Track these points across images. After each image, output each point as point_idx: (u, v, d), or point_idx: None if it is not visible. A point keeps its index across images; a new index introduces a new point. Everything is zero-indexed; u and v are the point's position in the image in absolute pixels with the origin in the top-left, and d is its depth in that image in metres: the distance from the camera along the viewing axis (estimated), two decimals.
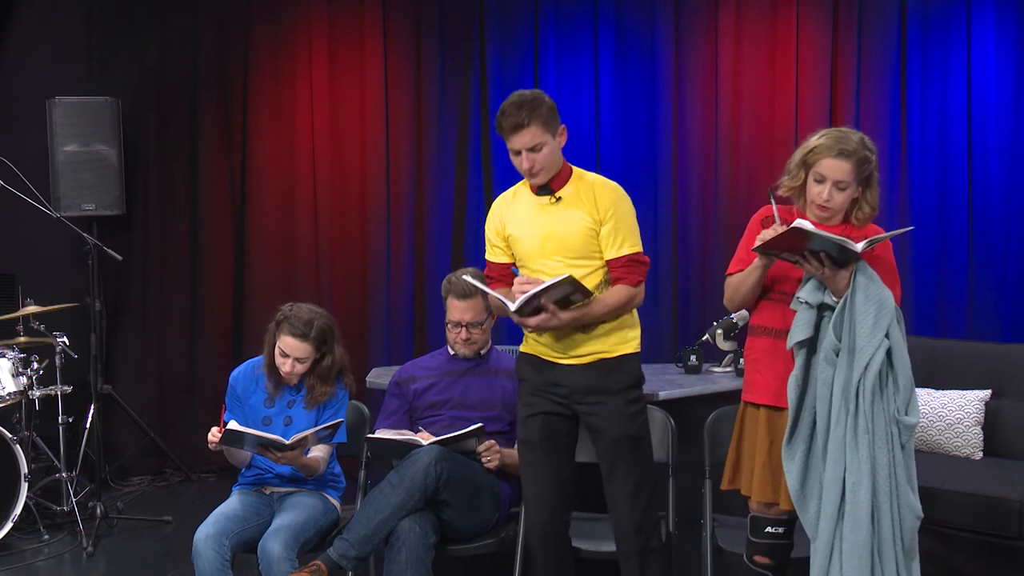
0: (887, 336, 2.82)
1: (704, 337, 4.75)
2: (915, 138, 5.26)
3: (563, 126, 3.20)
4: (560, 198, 3.20)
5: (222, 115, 6.04)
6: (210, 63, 6.01)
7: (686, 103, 5.58)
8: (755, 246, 2.89)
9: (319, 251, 5.97)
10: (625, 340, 3.25)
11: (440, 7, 5.84)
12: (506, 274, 3.34)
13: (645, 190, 5.61)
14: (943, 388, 4.23)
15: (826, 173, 2.89)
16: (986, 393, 4.17)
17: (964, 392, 4.17)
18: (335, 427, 3.47)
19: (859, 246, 2.78)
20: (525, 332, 3.29)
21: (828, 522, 2.83)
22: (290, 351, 3.54)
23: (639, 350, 3.30)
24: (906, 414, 2.84)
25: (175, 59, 6.02)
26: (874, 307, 2.82)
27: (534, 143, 3.10)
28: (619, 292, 3.19)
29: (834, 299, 2.85)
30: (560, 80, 5.68)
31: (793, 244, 2.81)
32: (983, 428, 4.12)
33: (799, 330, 2.87)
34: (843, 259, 2.80)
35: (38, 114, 5.67)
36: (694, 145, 5.58)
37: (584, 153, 5.61)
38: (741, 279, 3.02)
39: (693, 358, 4.66)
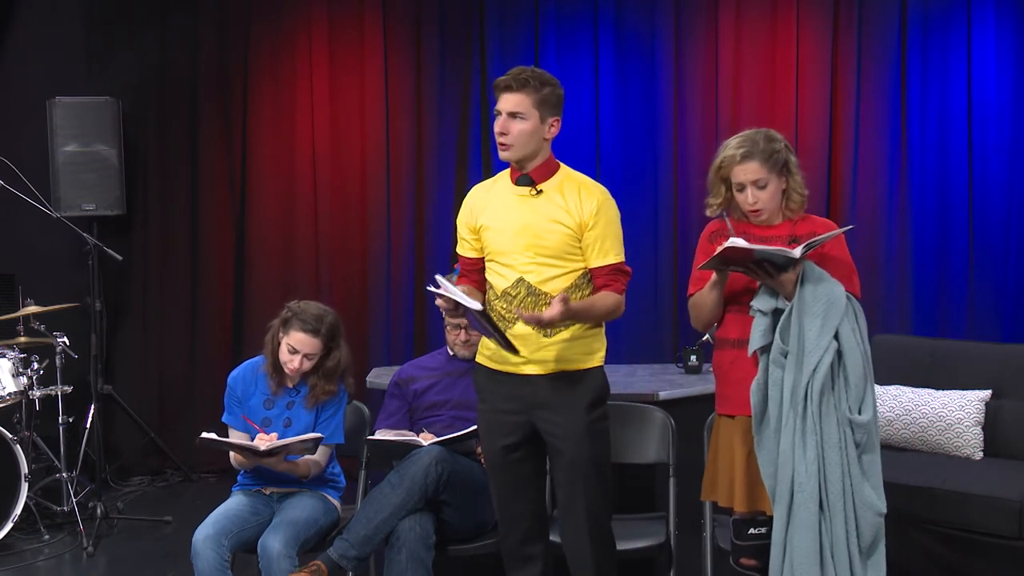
0: (837, 337, 2.84)
1: (704, 337, 4.75)
2: (915, 138, 5.27)
3: (558, 119, 3.07)
4: (541, 191, 3.05)
5: (222, 115, 6.03)
6: (210, 63, 6.00)
7: (686, 103, 5.59)
8: (702, 264, 2.92)
9: (319, 251, 5.97)
10: (591, 351, 3.10)
11: (440, 7, 5.84)
12: (474, 271, 3.19)
13: (645, 190, 5.62)
14: (943, 388, 4.23)
15: (741, 179, 2.95)
16: (986, 393, 4.16)
17: (964, 392, 4.17)
18: (316, 440, 3.46)
19: (796, 252, 2.80)
20: (485, 340, 3.15)
21: (780, 523, 2.85)
22: (300, 346, 3.53)
23: (603, 364, 3.15)
24: (859, 412, 2.84)
25: (175, 59, 6.02)
26: (822, 308, 2.84)
27: (515, 110, 2.99)
28: (610, 298, 3.05)
29: (787, 303, 2.87)
30: (560, 80, 5.64)
31: (737, 257, 2.84)
32: (983, 428, 4.11)
33: (757, 337, 2.89)
34: (786, 264, 2.83)
35: (38, 114, 5.67)
36: (694, 145, 5.58)
37: (584, 153, 5.61)
38: (701, 299, 3.03)
39: (693, 358, 4.66)
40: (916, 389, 4.22)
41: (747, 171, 2.94)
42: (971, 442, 4.10)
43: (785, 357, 2.85)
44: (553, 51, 5.71)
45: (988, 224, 5.17)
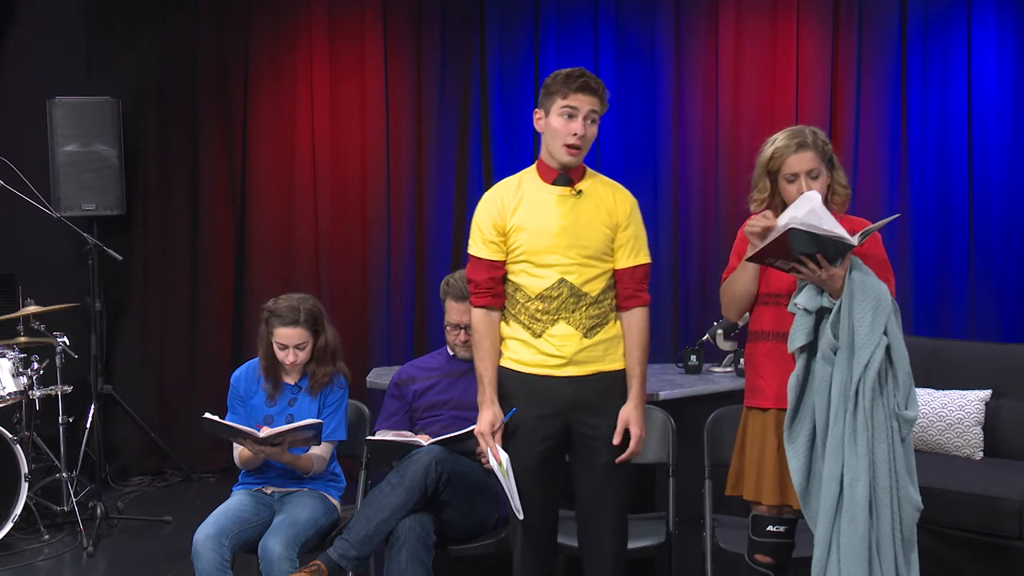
0: (885, 333, 2.83)
1: (704, 337, 4.75)
2: (915, 138, 5.26)
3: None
4: (580, 191, 3.05)
5: (222, 115, 6.04)
6: (210, 63, 6.01)
7: (686, 103, 5.58)
8: (749, 256, 2.90)
9: (319, 251, 5.97)
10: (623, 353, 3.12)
11: (440, 7, 5.84)
12: (497, 277, 3.08)
13: (645, 190, 5.61)
14: (943, 388, 4.23)
15: (795, 169, 2.94)
16: (986, 393, 4.17)
17: (964, 392, 4.17)
18: (317, 429, 3.46)
19: (854, 239, 2.79)
20: (507, 340, 3.11)
21: (826, 517, 2.84)
22: (287, 341, 3.55)
23: None
24: (905, 408, 2.85)
25: (175, 59, 6.02)
26: (871, 304, 2.83)
27: (595, 112, 3.00)
28: (644, 324, 3.08)
29: (832, 301, 2.86)
30: None
31: (785, 250, 2.82)
32: (983, 428, 4.12)
33: (798, 336, 2.88)
34: (836, 254, 2.81)
35: (38, 114, 5.68)
36: (694, 145, 5.58)
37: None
38: (735, 277, 3.02)
39: (693, 358, 4.66)
40: (916, 389, 4.21)
41: (803, 161, 2.93)
42: (971, 442, 4.10)
43: (835, 353, 2.84)
44: (553, 51, 5.71)
45: (988, 224, 5.17)
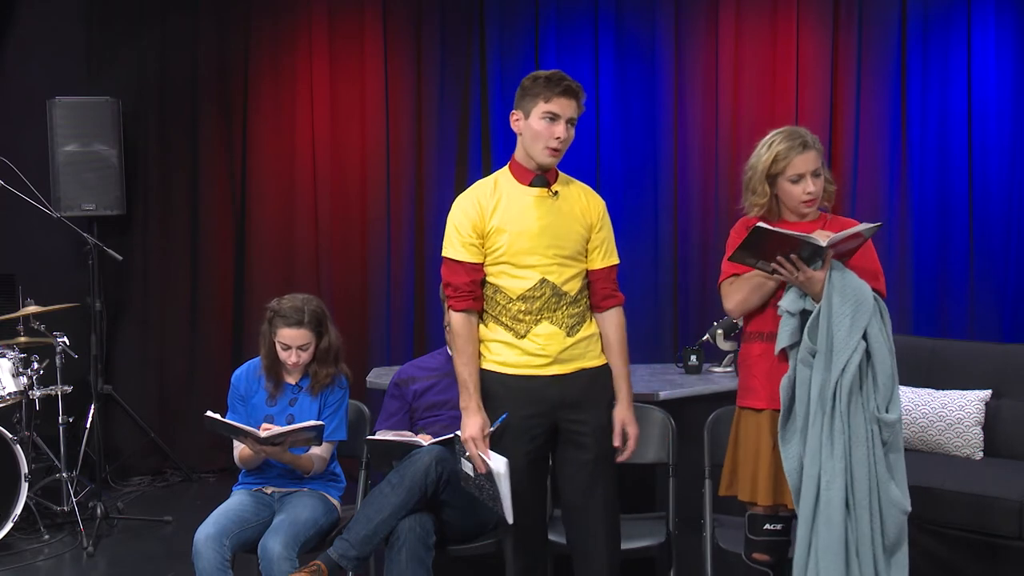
0: (865, 337, 2.84)
1: (704, 337, 4.75)
2: (915, 138, 5.27)
3: None
4: (557, 192, 3.08)
5: (222, 115, 6.04)
6: (210, 63, 6.01)
7: (686, 103, 5.58)
8: (731, 255, 2.92)
9: (319, 251, 5.97)
10: (601, 349, 3.16)
11: (440, 7, 5.84)
12: (477, 280, 3.07)
13: (645, 190, 5.62)
14: (943, 388, 4.23)
15: (801, 170, 2.96)
16: (986, 393, 4.17)
17: (964, 392, 4.17)
18: (319, 430, 3.46)
19: (823, 241, 2.80)
20: (488, 345, 3.10)
21: (805, 520, 2.85)
22: (291, 341, 3.55)
23: None
24: (886, 411, 2.85)
25: (175, 59, 6.02)
26: (850, 308, 2.85)
27: (574, 117, 3.03)
28: (623, 323, 3.16)
29: (815, 304, 2.87)
30: None
31: (764, 250, 2.83)
32: (983, 428, 4.12)
33: (783, 337, 2.92)
34: (812, 257, 2.83)
35: (38, 114, 5.68)
36: (694, 145, 5.58)
37: (584, 153, 5.61)
38: (756, 282, 2.99)
39: (693, 358, 4.66)
40: (916, 389, 4.22)
41: (808, 160, 2.95)
42: (971, 442, 4.10)
43: (813, 357, 2.85)
44: (553, 52, 5.71)
45: (988, 224, 5.17)
